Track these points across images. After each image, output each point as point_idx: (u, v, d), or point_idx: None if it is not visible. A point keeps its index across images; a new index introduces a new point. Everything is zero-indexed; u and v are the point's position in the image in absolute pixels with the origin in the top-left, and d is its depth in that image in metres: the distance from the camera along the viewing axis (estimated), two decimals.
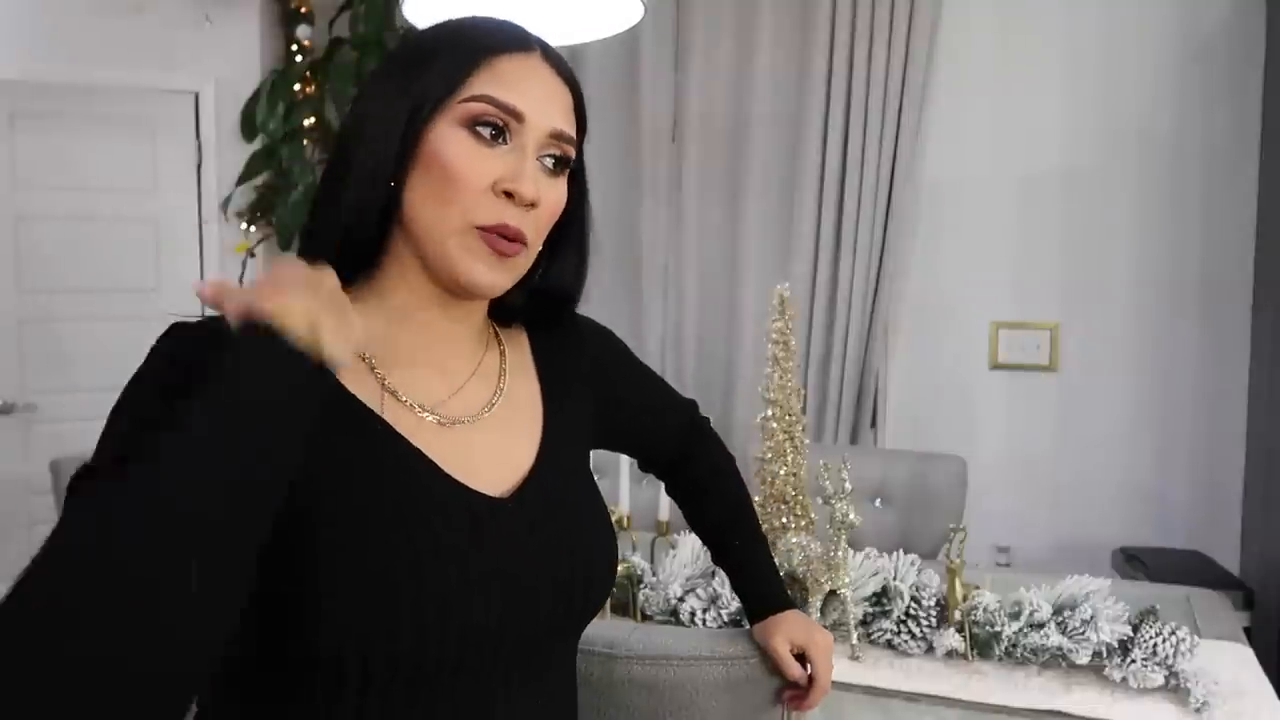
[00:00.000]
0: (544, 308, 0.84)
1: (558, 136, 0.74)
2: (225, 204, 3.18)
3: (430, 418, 0.74)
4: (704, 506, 1.10)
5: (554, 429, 0.82)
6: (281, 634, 0.64)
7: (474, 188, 0.71)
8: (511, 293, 0.78)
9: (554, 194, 0.75)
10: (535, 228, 0.74)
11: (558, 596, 0.74)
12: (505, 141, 0.72)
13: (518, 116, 0.72)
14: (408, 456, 0.71)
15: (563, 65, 0.77)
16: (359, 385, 0.72)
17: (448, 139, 0.71)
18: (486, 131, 0.71)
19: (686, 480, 1.10)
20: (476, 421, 0.77)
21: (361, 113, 0.74)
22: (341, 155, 0.74)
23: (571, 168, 0.79)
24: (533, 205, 0.72)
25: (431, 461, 0.71)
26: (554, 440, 0.82)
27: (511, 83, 0.72)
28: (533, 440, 0.80)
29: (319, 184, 0.76)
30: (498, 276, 0.73)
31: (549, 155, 0.74)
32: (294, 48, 3.23)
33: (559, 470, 0.80)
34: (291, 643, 0.64)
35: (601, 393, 0.92)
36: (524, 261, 0.75)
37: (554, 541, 0.75)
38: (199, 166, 3.20)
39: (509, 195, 0.71)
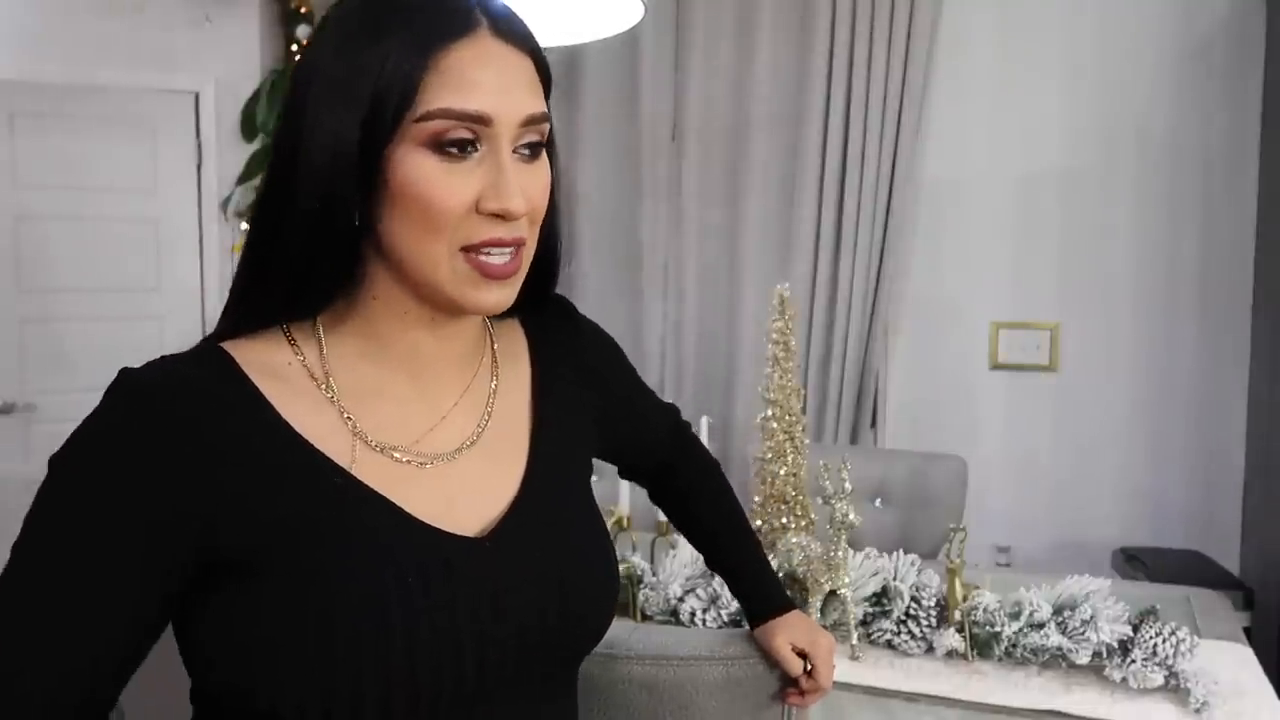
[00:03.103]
0: (526, 288, 0.75)
1: (529, 122, 0.66)
2: (225, 204, 3.18)
3: (407, 459, 0.69)
4: (696, 513, 1.07)
5: (544, 450, 0.78)
6: (250, 693, 0.62)
7: (455, 214, 0.64)
8: None
9: (539, 183, 0.68)
10: (529, 224, 0.68)
11: (546, 632, 0.71)
12: (476, 149, 0.64)
13: (484, 121, 0.64)
14: (375, 509, 0.66)
15: (513, 28, 0.67)
16: (327, 437, 0.66)
17: (413, 165, 0.63)
18: (454, 148, 0.63)
19: (675, 487, 1.07)
20: (459, 455, 0.72)
21: (296, 129, 0.64)
22: (284, 181, 0.65)
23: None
24: (522, 215, 0.66)
25: (401, 510, 0.66)
26: (543, 463, 0.77)
27: (467, 82, 0.63)
28: (519, 466, 0.76)
29: (258, 211, 0.67)
30: (500, 295, 0.67)
31: (524, 144, 0.67)
32: (294, 48, 3.23)
33: (547, 496, 0.76)
34: (259, 701, 0.62)
35: (601, 399, 0.87)
36: (523, 265, 0.69)
37: (538, 577, 0.71)
38: (199, 166, 3.20)
39: (495, 214, 0.65)
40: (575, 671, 0.81)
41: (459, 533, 0.69)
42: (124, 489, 0.60)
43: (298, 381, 0.68)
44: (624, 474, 1.08)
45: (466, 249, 0.65)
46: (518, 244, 0.67)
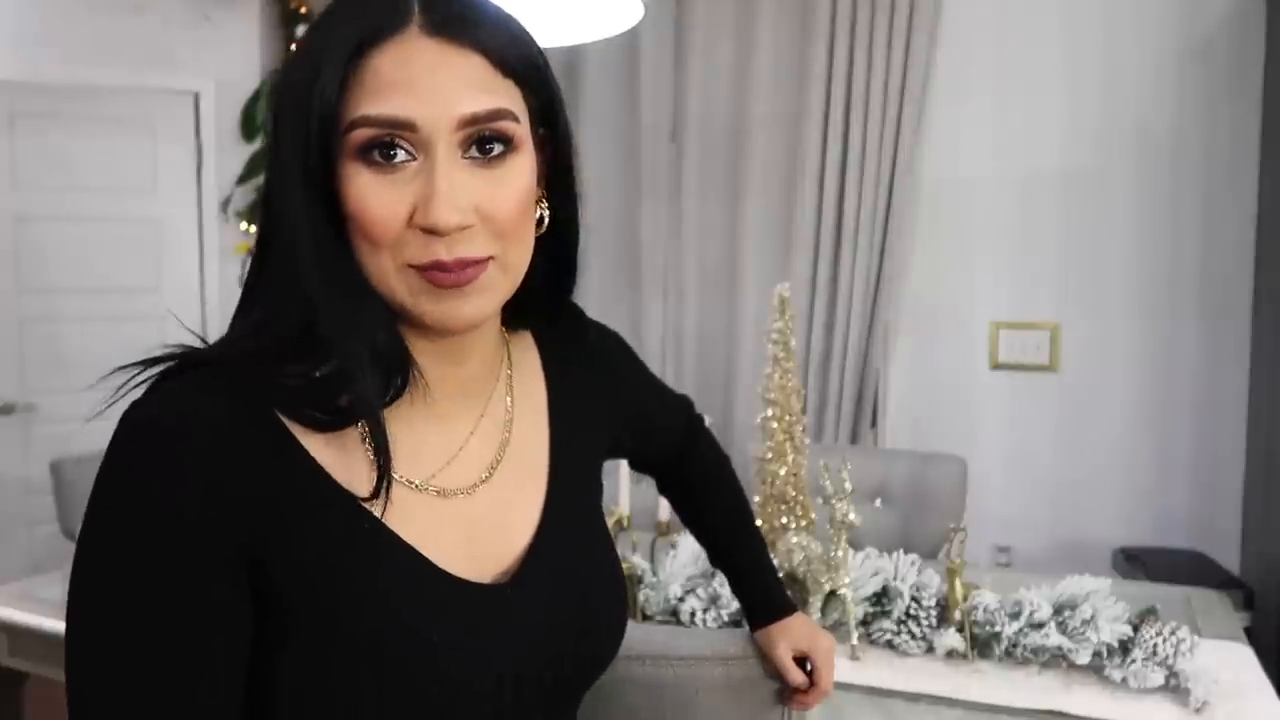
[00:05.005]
0: (538, 301, 0.74)
1: (471, 121, 0.60)
2: (225, 204, 3.18)
3: (428, 491, 0.66)
4: (702, 507, 1.06)
5: (562, 472, 0.76)
6: None
7: (392, 229, 0.60)
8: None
9: (500, 189, 0.62)
10: (493, 236, 0.62)
11: (559, 675, 0.71)
12: (410, 158, 0.60)
13: (406, 126, 0.59)
14: (405, 562, 0.63)
15: (453, 24, 0.61)
16: (348, 470, 0.63)
17: (349, 179, 0.60)
18: (378, 156, 0.59)
19: (683, 480, 1.05)
20: (477, 489, 0.69)
21: (268, 178, 0.64)
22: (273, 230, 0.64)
23: (548, 122, 0.67)
24: (463, 228, 0.60)
25: (428, 562, 0.64)
26: (561, 488, 0.75)
27: (387, 85, 0.59)
28: (538, 494, 0.74)
29: (290, 261, 0.62)
30: (467, 307, 0.62)
31: (474, 145, 0.61)
32: (293, 48, 3.24)
33: (565, 525, 0.74)
34: None
35: (610, 402, 0.85)
36: (500, 275, 0.63)
37: (557, 623, 0.70)
38: (199, 166, 3.20)
39: (427, 230, 0.60)
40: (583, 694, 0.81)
41: (479, 580, 0.67)
42: (187, 541, 0.57)
43: None
44: (634, 465, 1.07)
45: (413, 267, 0.61)
46: (466, 265, 0.61)
